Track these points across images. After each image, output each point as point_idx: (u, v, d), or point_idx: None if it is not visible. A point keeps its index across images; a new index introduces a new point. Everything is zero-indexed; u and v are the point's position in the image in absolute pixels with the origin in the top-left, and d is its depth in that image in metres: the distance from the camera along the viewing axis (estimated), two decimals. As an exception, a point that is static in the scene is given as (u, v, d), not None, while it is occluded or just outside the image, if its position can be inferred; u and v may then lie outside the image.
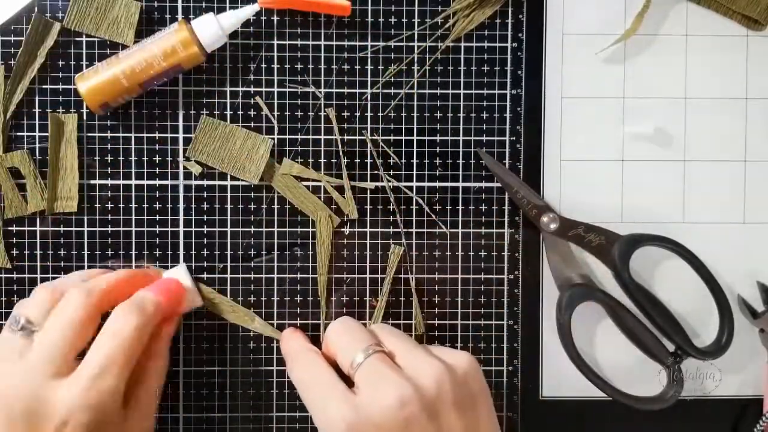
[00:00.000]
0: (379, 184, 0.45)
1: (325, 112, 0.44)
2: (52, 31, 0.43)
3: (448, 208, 0.45)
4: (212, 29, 0.41)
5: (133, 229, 0.44)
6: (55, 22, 0.43)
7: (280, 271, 0.45)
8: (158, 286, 0.41)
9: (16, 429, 0.35)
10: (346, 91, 0.44)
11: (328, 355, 0.40)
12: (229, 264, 0.44)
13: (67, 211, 0.44)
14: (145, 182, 0.44)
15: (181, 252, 0.44)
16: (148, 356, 0.40)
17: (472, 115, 0.45)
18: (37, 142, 0.43)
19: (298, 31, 0.44)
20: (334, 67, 0.44)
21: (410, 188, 0.45)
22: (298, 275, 0.45)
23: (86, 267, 0.44)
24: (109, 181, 0.44)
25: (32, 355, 0.36)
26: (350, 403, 0.35)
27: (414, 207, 0.45)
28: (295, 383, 0.40)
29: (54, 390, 0.35)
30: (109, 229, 0.44)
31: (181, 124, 0.44)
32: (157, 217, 0.44)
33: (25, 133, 0.43)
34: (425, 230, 0.45)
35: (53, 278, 0.44)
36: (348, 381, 0.37)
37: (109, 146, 0.44)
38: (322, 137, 0.44)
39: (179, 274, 0.43)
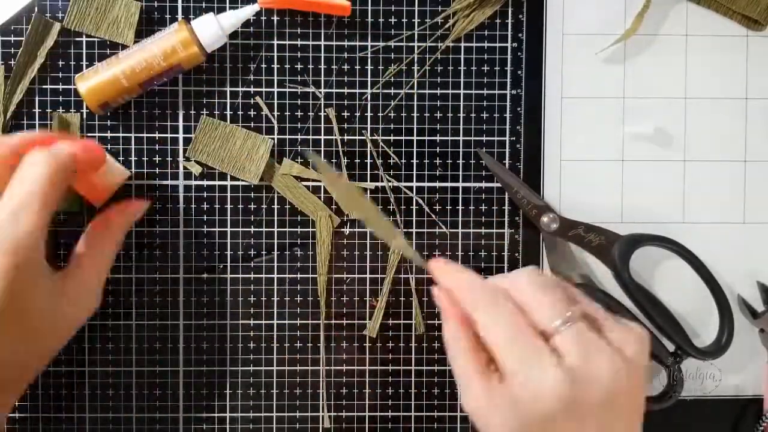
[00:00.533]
0: (379, 184, 0.45)
1: (325, 112, 0.44)
2: (52, 31, 0.43)
3: (448, 208, 0.45)
4: (212, 29, 0.41)
5: (133, 229, 0.44)
6: (55, 22, 0.43)
7: (280, 271, 0.45)
8: (74, 139, 0.40)
9: None
10: (346, 91, 0.44)
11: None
12: (229, 264, 0.44)
13: (69, 211, 0.44)
14: (145, 182, 0.44)
15: (181, 252, 0.44)
16: (89, 232, 0.40)
17: (472, 115, 0.45)
18: (37, 142, 0.43)
19: (298, 31, 0.44)
20: (334, 67, 0.44)
21: (410, 188, 0.45)
22: (298, 275, 0.45)
23: (86, 267, 0.44)
24: (109, 181, 0.44)
25: None
26: (563, 367, 0.32)
27: (414, 207, 0.45)
28: (480, 322, 0.34)
29: None
30: (109, 229, 0.44)
31: (181, 124, 0.44)
32: (157, 217, 0.44)
33: (25, 133, 0.43)
34: (425, 230, 0.45)
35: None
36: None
37: (109, 146, 0.44)
38: (322, 137, 0.44)
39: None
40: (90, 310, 0.40)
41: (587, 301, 0.36)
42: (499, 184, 0.45)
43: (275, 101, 0.44)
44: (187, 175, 0.44)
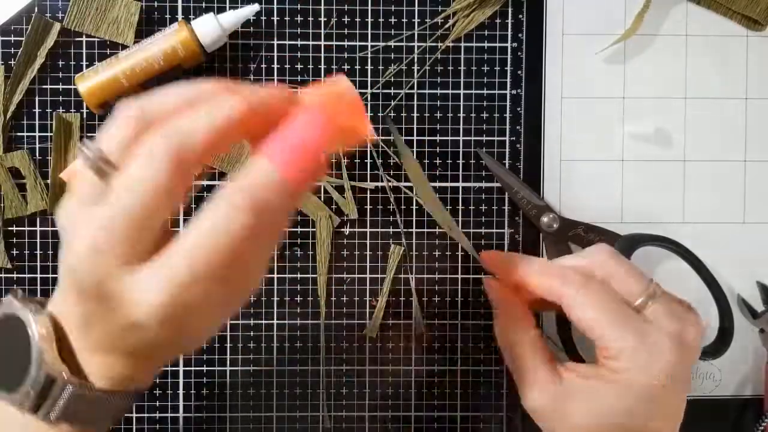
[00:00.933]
0: (379, 184, 0.45)
1: (325, 112, 0.44)
2: (52, 31, 0.43)
3: (448, 208, 0.45)
4: (212, 29, 0.41)
5: (133, 229, 0.44)
6: (55, 22, 0.43)
7: (280, 271, 0.45)
8: (286, 151, 0.26)
9: (88, 304, 0.26)
10: (346, 91, 0.44)
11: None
12: (229, 264, 0.44)
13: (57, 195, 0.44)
14: (145, 182, 0.44)
15: (181, 252, 0.44)
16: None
17: (472, 115, 0.45)
18: (37, 142, 0.43)
19: (298, 31, 0.44)
20: (334, 67, 0.44)
21: (410, 188, 0.45)
22: (298, 275, 0.45)
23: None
24: (109, 181, 0.44)
25: (104, 213, 0.25)
26: (669, 336, 0.33)
27: (414, 207, 0.45)
28: (580, 307, 0.33)
29: (122, 281, 0.25)
30: (109, 229, 0.44)
31: (181, 124, 0.44)
32: (157, 217, 0.44)
33: (25, 133, 0.43)
34: (425, 230, 0.45)
35: (53, 278, 0.44)
36: None
37: (109, 146, 0.44)
38: (322, 137, 0.44)
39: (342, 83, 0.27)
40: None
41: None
42: (499, 184, 0.45)
43: (275, 101, 0.44)
44: (187, 175, 0.44)
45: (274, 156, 0.25)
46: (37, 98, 0.43)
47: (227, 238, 0.25)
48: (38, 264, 0.44)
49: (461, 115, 0.45)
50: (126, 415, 0.44)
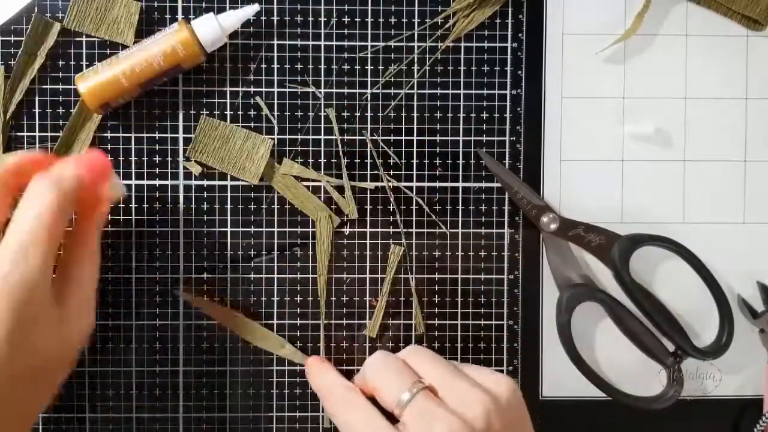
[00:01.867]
0: (379, 184, 0.45)
1: (325, 112, 0.44)
2: (52, 31, 0.43)
3: (448, 208, 0.45)
4: (212, 29, 0.41)
5: (133, 229, 0.44)
6: (55, 22, 0.43)
7: (280, 271, 0.45)
8: (79, 159, 0.37)
9: None
10: (346, 91, 0.44)
11: (365, 389, 0.40)
12: (229, 264, 0.44)
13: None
14: (145, 182, 0.44)
15: (181, 252, 0.44)
16: (76, 245, 0.37)
17: (472, 115, 0.45)
18: (37, 142, 0.43)
19: (298, 31, 0.44)
20: (334, 67, 0.44)
21: (410, 188, 0.45)
22: (298, 275, 0.45)
23: (86, 267, 0.44)
24: (109, 181, 0.44)
25: None
26: None
27: (414, 207, 0.45)
28: (338, 425, 0.39)
29: None
30: (109, 229, 0.44)
31: (181, 124, 0.44)
32: (157, 217, 0.44)
33: (25, 133, 0.43)
34: (425, 230, 0.45)
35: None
36: (388, 416, 0.37)
37: (109, 146, 0.44)
38: (322, 137, 0.44)
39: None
40: (90, 327, 0.38)
41: (426, 364, 0.39)
42: (499, 184, 0.45)
43: (275, 101, 0.44)
44: (187, 175, 0.44)
45: (69, 161, 0.37)
46: (37, 98, 0.43)
47: (40, 213, 0.33)
48: (38, 264, 0.44)
49: (461, 115, 0.45)
50: (126, 414, 0.44)
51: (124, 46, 0.43)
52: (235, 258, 0.44)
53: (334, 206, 0.45)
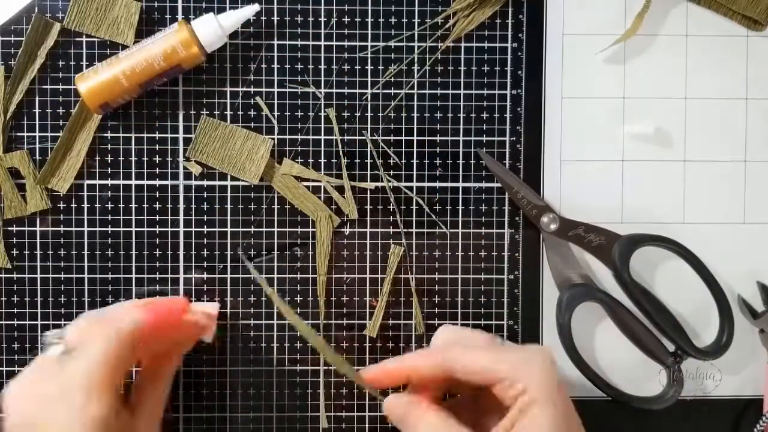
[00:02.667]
0: (379, 184, 0.45)
1: (325, 112, 0.44)
2: (52, 31, 0.43)
3: (448, 208, 0.45)
4: (212, 29, 0.41)
5: (133, 229, 0.44)
6: (55, 22, 0.43)
7: (280, 271, 0.45)
8: (153, 303, 0.40)
9: None
10: (346, 91, 0.44)
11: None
12: (229, 264, 0.44)
13: (56, 193, 0.44)
14: (145, 182, 0.44)
15: (181, 252, 0.44)
16: (149, 380, 0.40)
17: (472, 115, 0.45)
18: (37, 142, 0.43)
19: (298, 31, 0.44)
20: (334, 67, 0.44)
21: (410, 188, 0.45)
22: (298, 275, 0.45)
23: (86, 267, 0.44)
24: (109, 181, 0.44)
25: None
26: None
27: (414, 207, 0.45)
28: (479, 361, 0.36)
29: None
30: (109, 229, 0.44)
31: (181, 124, 0.44)
32: (157, 217, 0.44)
33: (25, 133, 0.43)
34: (425, 230, 0.45)
35: (53, 278, 0.44)
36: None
37: (109, 146, 0.44)
38: (322, 137, 0.44)
39: (208, 306, 0.43)
40: None
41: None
42: (499, 184, 0.45)
43: (275, 101, 0.44)
44: (187, 175, 0.44)
45: (140, 305, 0.39)
46: (37, 98, 0.43)
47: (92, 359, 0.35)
48: (38, 264, 0.44)
49: (461, 115, 0.45)
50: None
51: (124, 46, 0.43)
52: (235, 258, 0.44)
53: (334, 206, 0.45)
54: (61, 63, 0.43)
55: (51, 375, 0.35)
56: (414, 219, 0.45)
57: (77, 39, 0.43)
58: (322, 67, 0.44)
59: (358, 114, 0.44)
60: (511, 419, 0.34)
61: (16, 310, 0.44)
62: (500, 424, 0.35)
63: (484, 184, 0.45)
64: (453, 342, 0.38)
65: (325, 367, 0.45)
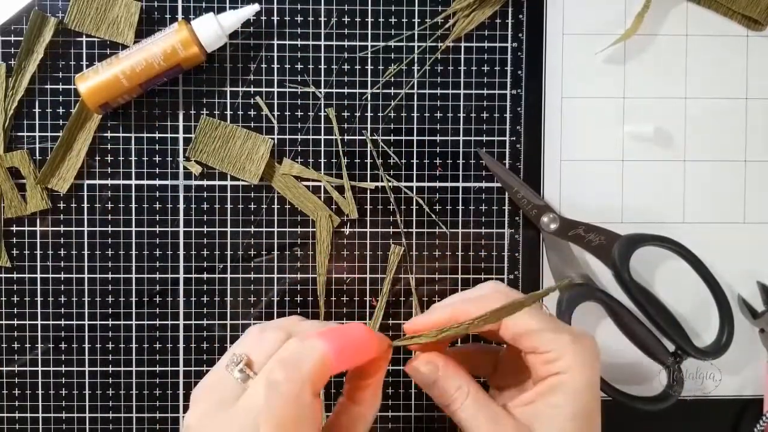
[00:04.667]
0: (379, 184, 0.45)
1: (325, 112, 0.44)
2: (48, 26, 0.43)
3: (448, 208, 0.45)
4: (212, 29, 0.41)
5: (133, 229, 0.44)
6: (51, 17, 0.43)
7: (280, 271, 0.45)
8: (333, 333, 0.33)
9: None
10: (346, 91, 0.44)
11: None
12: (229, 264, 0.44)
13: (56, 193, 0.44)
14: (145, 182, 0.44)
15: (181, 252, 0.44)
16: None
17: (472, 115, 0.45)
18: (37, 142, 0.43)
19: (298, 31, 0.44)
20: (334, 67, 0.44)
21: (410, 188, 0.45)
22: (298, 275, 0.45)
23: (86, 267, 0.44)
24: (109, 181, 0.44)
25: (241, 408, 0.31)
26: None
27: (414, 207, 0.45)
28: (531, 322, 0.34)
29: None
30: (109, 229, 0.44)
31: (181, 124, 0.44)
32: (157, 217, 0.44)
33: (25, 133, 0.43)
34: (425, 230, 0.45)
35: (53, 278, 0.44)
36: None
37: (109, 146, 0.44)
38: (322, 137, 0.44)
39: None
40: None
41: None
42: (499, 184, 0.45)
43: (275, 101, 0.44)
44: (187, 175, 0.44)
45: (322, 337, 0.32)
46: (37, 98, 0.43)
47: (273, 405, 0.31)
48: (38, 264, 0.44)
49: (461, 115, 0.45)
50: (126, 414, 0.44)
51: (124, 46, 0.43)
52: (235, 258, 0.44)
53: (334, 206, 0.45)
54: (61, 63, 0.43)
55: (229, 398, 0.32)
56: (414, 219, 0.45)
57: (77, 39, 0.43)
58: (322, 67, 0.44)
59: (358, 114, 0.44)
60: (538, 392, 0.33)
61: (16, 310, 0.44)
62: (522, 396, 0.34)
63: (484, 184, 0.45)
64: (503, 295, 0.35)
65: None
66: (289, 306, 0.45)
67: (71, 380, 0.44)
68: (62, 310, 0.44)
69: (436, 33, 0.44)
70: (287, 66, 0.44)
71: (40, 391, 0.44)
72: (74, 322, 0.44)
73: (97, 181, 0.44)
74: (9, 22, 0.43)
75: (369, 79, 0.44)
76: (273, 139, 0.44)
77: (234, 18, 0.42)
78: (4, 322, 0.44)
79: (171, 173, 0.44)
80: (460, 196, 0.45)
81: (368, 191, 0.45)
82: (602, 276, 0.45)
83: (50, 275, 0.44)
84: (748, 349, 0.46)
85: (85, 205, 0.44)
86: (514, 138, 0.45)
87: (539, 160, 0.45)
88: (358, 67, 0.44)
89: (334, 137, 0.44)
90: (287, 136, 0.44)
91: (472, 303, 0.35)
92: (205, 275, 0.44)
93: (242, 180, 0.44)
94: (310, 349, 0.31)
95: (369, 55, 0.44)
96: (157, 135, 0.44)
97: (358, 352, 0.33)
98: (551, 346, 0.33)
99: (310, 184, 0.44)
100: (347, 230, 0.45)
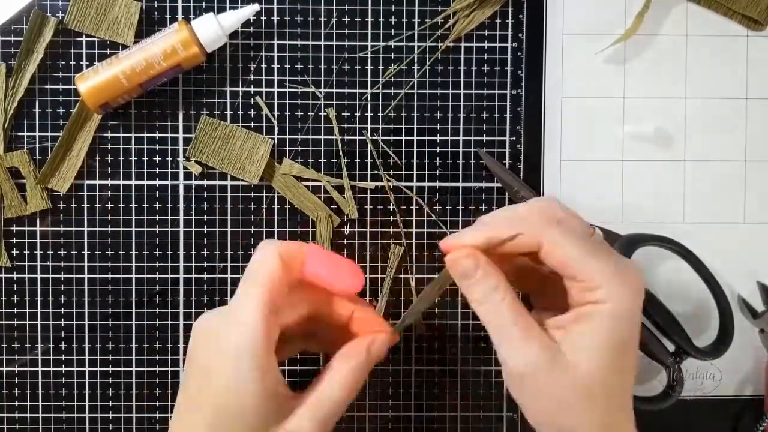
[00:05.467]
0: (379, 184, 0.45)
1: (325, 112, 0.44)
2: (48, 26, 0.43)
3: (448, 208, 0.45)
4: (212, 29, 0.41)
5: (133, 229, 0.44)
6: (51, 17, 0.43)
7: (280, 271, 0.45)
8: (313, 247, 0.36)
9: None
10: (346, 91, 0.44)
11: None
12: (229, 264, 0.44)
13: (56, 193, 0.44)
14: (145, 182, 0.44)
15: (181, 252, 0.44)
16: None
17: (472, 115, 0.45)
18: (37, 142, 0.43)
19: (298, 31, 0.44)
20: (334, 67, 0.44)
21: (410, 188, 0.45)
22: (298, 275, 0.45)
23: (86, 267, 0.44)
24: (109, 181, 0.44)
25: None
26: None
27: (414, 207, 0.45)
28: (560, 246, 0.33)
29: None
30: (109, 229, 0.44)
31: (181, 124, 0.44)
32: (157, 217, 0.44)
33: (25, 133, 0.43)
34: (425, 230, 0.45)
35: (53, 278, 0.44)
36: None
37: (109, 146, 0.44)
38: (322, 137, 0.44)
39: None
40: None
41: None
42: (499, 184, 0.45)
43: (275, 101, 0.44)
44: (187, 175, 0.44)
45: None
46: (37, 98, 0.43)
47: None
48: (38, 264, 0.44)
49: (461, 115, 0.45)
50: (126, 414, 0.44)
51: (125, 46, 0.43)
52: (235, 258, 0.44)
53: (334, 206, 0.45)
54: (61, 63, 0.43)
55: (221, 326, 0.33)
56: (414, 219, 0.45)
57: (77, 39, 0.43)
58: (322, 67, 0.44)
59: (358, 114, 0.44)
60: (573, 318, 0.33)
61: (16, 310, 0.44)
62: (558, 318, 0.33)
63: (484, 184, 0.45)
64: (549, 217, 0.34)
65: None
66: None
67: (71, 380, 0.44)
68: (62, 310, 0.44)
69: (436, 33, 0.44)
70: (287, 66, 0.44)
71: (40, 391, 0.44)
72: (74, 322, 0.44)
73: (97, 181, 0.44)
74: (9, 22, 0.43)
75: (369, 79, 0.44)
76: (273, 139, 0.44)
77: (234, 18, 0.42)
78: (4, 322, 0.44)
79: (171, 173, 0.44)
80: (460, 196, 0.45)
81: (368, 191, 0.45)
82: (602, 276, 0.45)
83: (50, 275, 0.44)
84: (748, 349, 0.46)
85: (85, 205, 0.44)
86: (514, 138, 0.45)
87: (539, 160, 0.45)
88: (358, 67, 0.44)
89: (334, 137, 0.44)
90: (287, 136, 0.44)
91: (509, 225, 0.34)
92: (205, 275, 0.44)
93: (242, 180, 0.44)
94: (268, 254, 0.34)
95: (369, 55, 0.44)
96: (157, 135, 0.44)
97: (331, 270, 0.35)
98: (591, 275, 0.32)
99: (310, 184, 0.44)
100: (347, 230, 0.45)
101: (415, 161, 0.45)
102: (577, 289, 0.33)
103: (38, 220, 0.44)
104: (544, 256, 0.33)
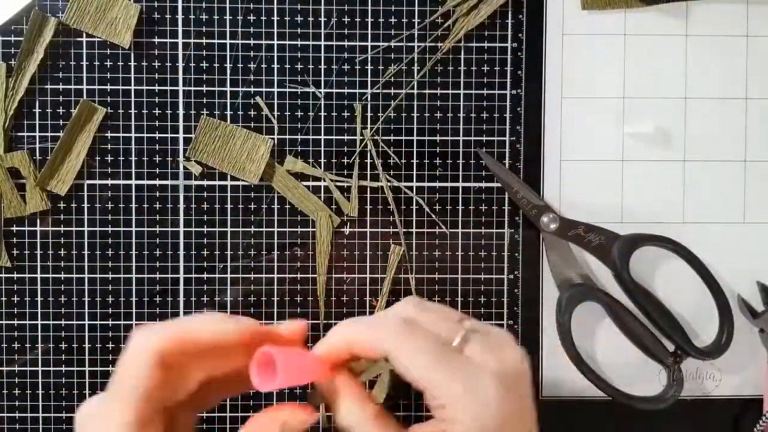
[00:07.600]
0: (379, 184, 0.45)
1: (325, 112, 0.44)
2: (49, 26, 0.43)
3: (448, 208, 0.45)
4: None
5: (133, 229, 0.44)
6: (51, 17, 0.43)
7: (280, 271, 0.45)
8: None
9: None
10: (346, 91, 0.44)
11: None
12: (229, 264, 0.44)
13: (55, 194, 0.44)
14: (145, 182, 0.44)
15: (181, 252, 0.44)
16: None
17: (472, 115, 0.45)
18: (37, 142, 0.43)
19: (298, 31, 0.44)
20: (334, 67, 0.44)
21: (410, 188, 0.45)
22: (298, 275, 0.45)
23: (86, 267, 0.44)
24: (109, 181, 0.44)
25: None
26: (494, 373, 0.30)
27: (414, 207, 0.45)
28: (407, 357, 0.30)
29: None
30: (109, 229, 0.44)
31: (181, 124, 0.44)
32: (157, 217, 0.44)
33: (25, 133, 0.43)
34: (425, 230, 0.45)
35: (53, 278, 0.44)
36: None
37: (109, 146, 0.44)
38: (322, 137, 0.44)
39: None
40: None
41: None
42: (499, 184, 0.45)
43: (275, 101, 0.44)
44: (187, 175, 0.44)
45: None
46: (37, 98, 0.43)
47: None
48: (38, 264, 0.44)
49: (461, 115, 0.45)
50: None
51: (123, 48, 0.43)
52: (235, 258, 0.45)
53: (334, 206, 0.45)
54: (61, 63, 0.43)
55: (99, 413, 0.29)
56: (414, 219, 0.45)
57: (77, 39, 0.43)
58: (322, 67, 0.44)
59: (358, 114, 0.44)
60: (432, 428, 0.30)
61: (16, 310, 0.44)
62: (417, 427, 0.31)
63: (484, 184, 0.45)
64: (399, 321, 0.31)
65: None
66: (289, 306, 0.45)
67: (71, 380, 0.44)
68: (62, 310, 0.44)
69: (436, 33, 0.44)
70: (287, 66, 0.44)
71: (40, 391, 0.44)
72: (74, 322, 0.44)
73: (97, 182, 0.44)
74: (9, 22, 0.43)
75: (369, 79, 0.44)
76: (273, 139, 0.44)
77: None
78: (4, 322, 0.44)
79: (171, 173, 0.44)
80: (460, 196, 0.45)
81: (368, 191, 0.45)
82: (602, 276, 0.45)
83: (50, 275, 0.44)
84: (748, 349, 0.46)
85: (85, 205, 0.44)
86: (514, 138, 0.45)
87: (539, 160, 0.45)
88: (358, 67, 0.44)
89: (334, 137, 0.44)
90: (287, 136, 0.44)
91: (364, 326, 0.31)
92: (205, 275, 0.44)
93: (242, 180, 0.44)
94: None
95: (369, 55, 0.44)
96: (157, 135, 0.44)
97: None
98: (438, 391, 0.29)
99: (310, 184, 0.44)
100: (347, 230, 0.45)
101: (415, 161, 0.45)
102: (429, 400, 0.30)
103: (38, 220, 0.44)
104: (393, 363, 0.30)
